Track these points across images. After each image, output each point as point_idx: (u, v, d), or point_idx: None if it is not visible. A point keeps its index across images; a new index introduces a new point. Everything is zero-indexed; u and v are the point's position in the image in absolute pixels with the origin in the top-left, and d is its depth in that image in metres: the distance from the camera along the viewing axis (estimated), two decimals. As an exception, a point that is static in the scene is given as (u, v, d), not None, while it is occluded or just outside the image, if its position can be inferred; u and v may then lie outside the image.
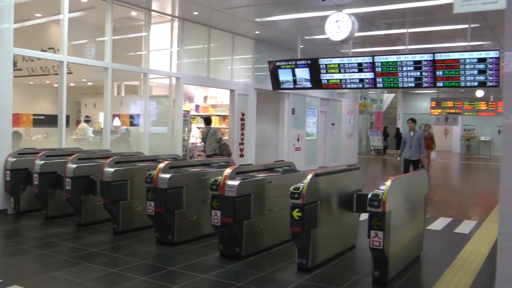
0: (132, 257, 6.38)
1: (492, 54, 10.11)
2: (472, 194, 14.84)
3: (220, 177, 6.40)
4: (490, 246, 7.41)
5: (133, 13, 12.08)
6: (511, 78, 3.35)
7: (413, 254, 6.63)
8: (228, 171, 6.43)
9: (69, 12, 10.13)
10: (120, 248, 6.86)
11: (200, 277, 5.69)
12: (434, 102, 24.82)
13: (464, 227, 9.11)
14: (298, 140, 17.69)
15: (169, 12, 12.49)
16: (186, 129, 13.87)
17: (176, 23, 12.94)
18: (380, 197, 5.34)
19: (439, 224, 9.26)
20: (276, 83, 12.84)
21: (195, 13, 12.23)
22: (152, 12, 12.05)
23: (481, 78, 10.37)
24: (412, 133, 12.87)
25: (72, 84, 13.25)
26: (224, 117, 16.01)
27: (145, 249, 6.85)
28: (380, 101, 32.98)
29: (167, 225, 6.94)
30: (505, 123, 3.34)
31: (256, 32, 14.46)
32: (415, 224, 6.57)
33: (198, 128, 15.38)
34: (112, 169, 7.45)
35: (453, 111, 24.77)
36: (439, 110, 24.87)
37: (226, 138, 14.88)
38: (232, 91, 14.76)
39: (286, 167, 7.57)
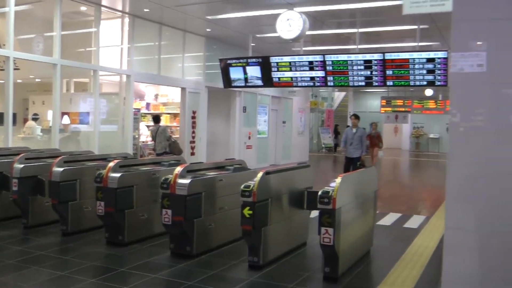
0: (82, 259, 6.24)
1: (441, 54, 10.33)
2: (421, 190, 15.17)
3: (170, 176, 6.34)
4: (438, 240, 7.58)
5: (83, 8, 11.84)
6: (457, 78, 3.43)
7: (364, 250, 6.73)
8: (178, 169, 6.38)
9: (16, 5, 9.88)
10: (69, 250, 6.70)
11: (151, 277, 5.62)
12: (384, 101, 25.27)
13: (413, 222, 9.30)
14: (249, 138, 17.71)
15: (120, 8, 12.31)
16: (137, 127, 13.71)
17: (126, 20, 12.76)
18: (330, 194, 5.40)
19: (389, 219, 9.43)
20: (227, 81, 12.81)
21: (146, 10, 12.09)
22: (102, 8, 11.85)
23: (430, 77, 10.59)
24: (354, 130, 12.57)
25: (19, 81, 12.93)
26: (175, 115, 15.89)
27: (95, 250, 6.72)
28: (331, 99, 33.28)
29: (117, 225, 6.84)
30: (452, 121, 3.42)
31: (208, 30, 14.39)
32: (365, 220, 6.67)
33: (147, 126, 15.19)
34: (61, 169, 7.27)
35: (403, 109, 25.27)
36: (389, 109, 25.34)
37: (177, 136, 14.78)
38: (183, 89, 14.65)
39: (237, 165, 7.55)
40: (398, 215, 9.87)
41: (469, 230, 3.36)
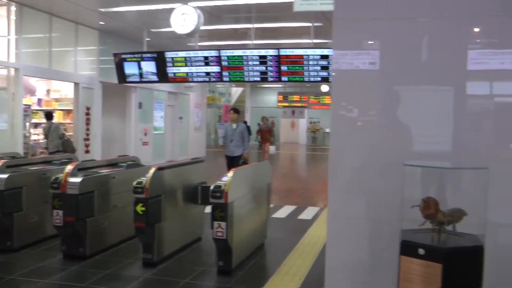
0: (-35, 269, 5.91)
1: (335, 51, 10.68)
2: (316, 182, 15.59)
3: (61, 175, 6.15)
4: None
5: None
6: (339, 75, 3.58)
7: (257, 242, 6.86)
8: (69, 168, 6.21)
9: None
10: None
11: (42, 282, 5.42)
12: (281, 96, 25.70)
13: (308, 213, 9.58)
14: (145, 134, 17.48)
15: (5, -5, 11.69)
16: (28, 124, 13.14)
17: (13, 8, 12.13)
18: (222, 188, 5.46)
19: (284, 212, 9.65)
20: (122, 76, 12.60)
21: (33, -2, 11.57)
22: (-16, -5, 11.21)
23: (324, 73, 10.94)
24: (234, 126, 10.93)
25: None
26: (68, 112, 15.37)
27: (-19, 258, 6.38)
28: (229, 94, 33.45)
29: (6, 230, 6.48)
30: (334, 115, 3.55)
31: (101, 22, 14.04)
32: (258, 213, 6.80)
33: (34, 123, 14.55)
34: None
35: (300, 104, 25.81)
36: (286, 104, 25.78)
37: (71, 133, 14.31)
38: (76, 84, 14.20)
39: (131, 162, 7.46)
40: (293, 207, 10.13)
41: (353, 218, 3.51)
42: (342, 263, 3.51)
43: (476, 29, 3.39)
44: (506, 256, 3.08)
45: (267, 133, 18.15)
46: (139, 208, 5.64)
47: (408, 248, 2.36)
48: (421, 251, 2.29)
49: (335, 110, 3.59)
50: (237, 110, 11.23)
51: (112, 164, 7.30)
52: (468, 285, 2.33)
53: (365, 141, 3.52)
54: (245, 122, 29.84)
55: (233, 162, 10.87)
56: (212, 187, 5.55)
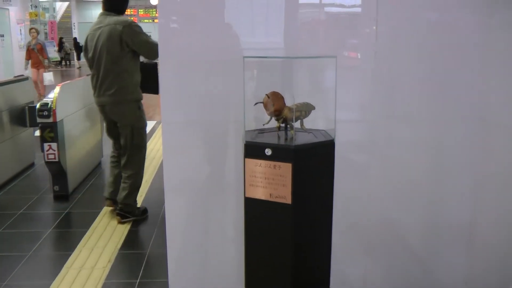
0: None
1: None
2: (152, 96, 15.09)
3: None
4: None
5: None
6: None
7: (94, 163, 6.56)
8: None
9: None
10: None
11: None
12: (110, 10, 24.58)
13: (145, 127, 9.33)
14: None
15: None
16: None
17: None
18: (49, 106, 5.00)
19: (120, 129, 9.29)
20: None
21: None
22: None
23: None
24: None
25: None
26: None
27: None
28: (53, 10, 31.18)
29: None
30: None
31: None
32: (92, 131, 6.49)
33: None
34: None
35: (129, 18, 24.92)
36: (116, 18, 24.74)
37: None
38: None
39: None
40: (130, 123, 9.79)
41: (189, 126, 3.24)
42: (180, 180, 3.23)
43: None
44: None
45: (38, 53, 12.50)
46: (-41, 136, 5.02)
47: (252, 150, 2.19)
48: (267, 152, 2.14)
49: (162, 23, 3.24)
50: None
51: None
52: (320, 180, 2.25)
53: (196, 44, 3.19)
54: (75, 39, 28.22)
55: None
56: (38, 106, 5.06)
